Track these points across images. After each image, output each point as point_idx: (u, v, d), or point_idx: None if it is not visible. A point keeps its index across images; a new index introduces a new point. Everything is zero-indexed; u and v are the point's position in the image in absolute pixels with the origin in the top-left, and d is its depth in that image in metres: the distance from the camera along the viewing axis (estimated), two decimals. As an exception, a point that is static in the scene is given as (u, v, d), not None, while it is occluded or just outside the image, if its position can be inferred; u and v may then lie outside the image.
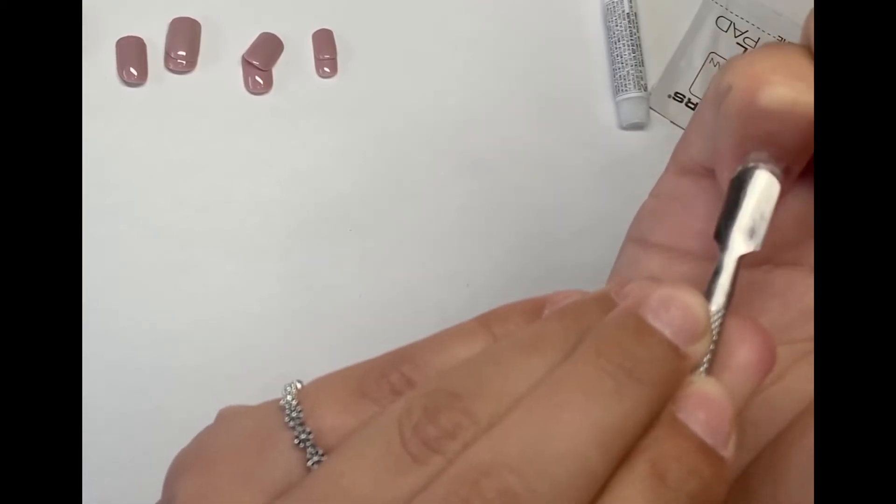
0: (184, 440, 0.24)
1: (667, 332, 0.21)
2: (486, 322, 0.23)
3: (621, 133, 0.50)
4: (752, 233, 0.23)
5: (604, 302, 0.22)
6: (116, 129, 0.46)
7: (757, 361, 0.22)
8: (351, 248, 0.47)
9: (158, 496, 0.23)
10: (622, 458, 0.20)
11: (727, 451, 0.20)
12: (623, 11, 0.50)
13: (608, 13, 0.51)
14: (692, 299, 0.21)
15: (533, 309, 0.23)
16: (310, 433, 0.21)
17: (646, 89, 0.50)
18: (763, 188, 0.23)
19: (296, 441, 0.21)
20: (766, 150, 0.23)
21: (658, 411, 0.20)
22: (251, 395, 0.43)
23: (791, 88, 0.22)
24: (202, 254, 0.45)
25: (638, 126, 0.50)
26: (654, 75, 0.51)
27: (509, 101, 0.50)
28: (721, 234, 0.23)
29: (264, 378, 0.44)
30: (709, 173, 0.26)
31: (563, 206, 0.49)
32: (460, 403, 0.20)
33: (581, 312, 0.22)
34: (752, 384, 0.22)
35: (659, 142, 0.50)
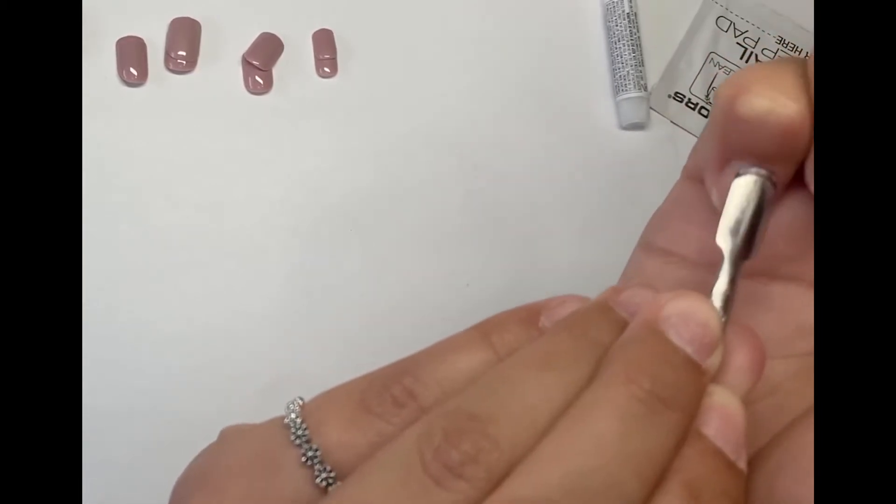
0: (184, 440, 0.24)
1: (689, 350, 0.21)
2: (484, 331, 0.23)
3: (621, 133, 0.50)
4: (747, 239, 0.23)
5: (605, 311, 0.22)
6: (116, 129, 0.46)
7: (751, 364, 0.22)
8: (352, 248, 0.47)
9: (158, 496, 0.23)
10: (657, 482, 0.20)
11: (743, 463, 0.21)
12: (623, 11, 0.50)
13: (608, 13, 0.51)
14: (709, 311, 0.22)
15: (529, 316, 0.23)
16: (316, 450, 0.21)
17: (646, 89, 0.50)
18: (753, 192, 0.23)
19: (303, 459, 0.21)
20: (745, 158, 0.24)
21: (687, 429, 0.21)
22: (251, 395, 0.43)
23: (767, 98, 0.23)
24: (202, 254, 0.45)
25: (638, 126, 0.50)
26: (654, 75, 0.51)
27: (509, 101, 0.50)
28: (719, 240, 0.23)
29: (265, 378, 0.44)
30: None
31: (563, 206, 0.49)
32: (480, 426, 0.20)
33: (587, 325, 0.22)
34: (746, 388, 0.22)
35: (659, 142, 0.50)
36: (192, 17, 0.47)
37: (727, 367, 0.22)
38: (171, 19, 0.47)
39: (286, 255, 0.46)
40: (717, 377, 0.22)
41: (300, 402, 0.23)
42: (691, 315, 0.21)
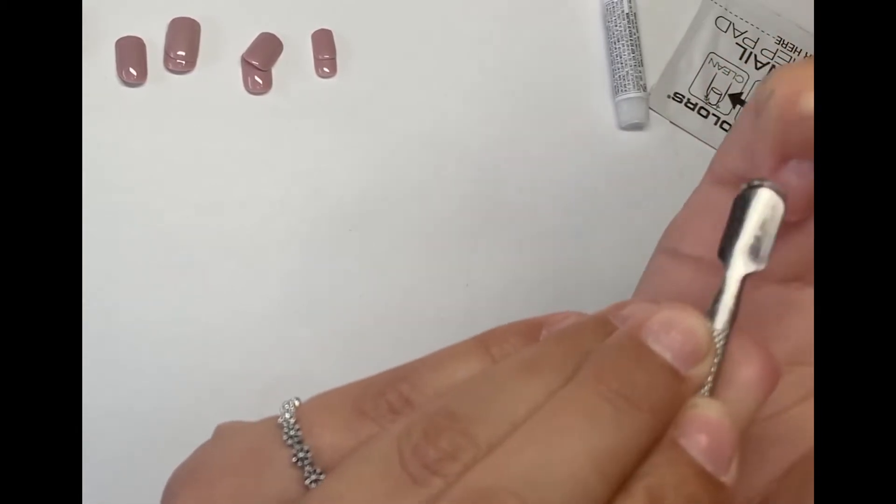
0: (183, 440, 0.24)
1: (667, 356, 0.21)
2: (484, 342, 0.23)
3: (621, 133, 0.50)
4: (755, 252, 0.23)
5: (602, 325, 0.22)
6: (116, 129, 0.46)
7: (760, 379, 0.22)
8: (351, 249, 0.47)
9: (158, 496, 0.23)
10: (621, 483, 0.20)
11: (728, 476, 0.20)
12: (623, 11, 0.50)
13: (608, 13, 0.51)
14: (694, 321, 0.21)
15: (530, 329, 0.23)
16: (308, 451, 0.21)
17: (645, 89, 0.50)
18: (767, 207, 0.23)
19: (294, 459, 0.21)
20: (807, 157, 0.23)
21: (659, 435, 0.20)
22: (251, 395, 0.43)
23: None
24: (202, 254, 0.45)
25: (637, 126, 0.50)
26: (653, 75, 0.51)
27: (509, 101, 0.50)
28: (724, 253, 0.23)
29: (264, 378, 0.44)
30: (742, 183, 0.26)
31: (562, 207, 0.49)
32: (460, 425, 0.20)
33: (579, 335, 0.22)
34: (755, 402, 0.22)
35: (658, 142, 0.50)
36: (191, 17, 0.47)
37: (731, 382, 0.22)
38: (170, 19, 0.47)
39: (286, 255, 0.46)
40: (720, 391, 0.22)
41: (296, 403, 0.23)
42: (673, 323, 0.21)
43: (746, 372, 0.22)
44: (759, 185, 0.23)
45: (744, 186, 0.23)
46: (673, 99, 0.51)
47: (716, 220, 0.27)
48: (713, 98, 0.51)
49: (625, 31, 0.50)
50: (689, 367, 0.21)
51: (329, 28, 0.49)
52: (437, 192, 0.48)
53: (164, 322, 0.44)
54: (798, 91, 0.22)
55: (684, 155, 0.51)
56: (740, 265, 0.23)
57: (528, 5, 0.51)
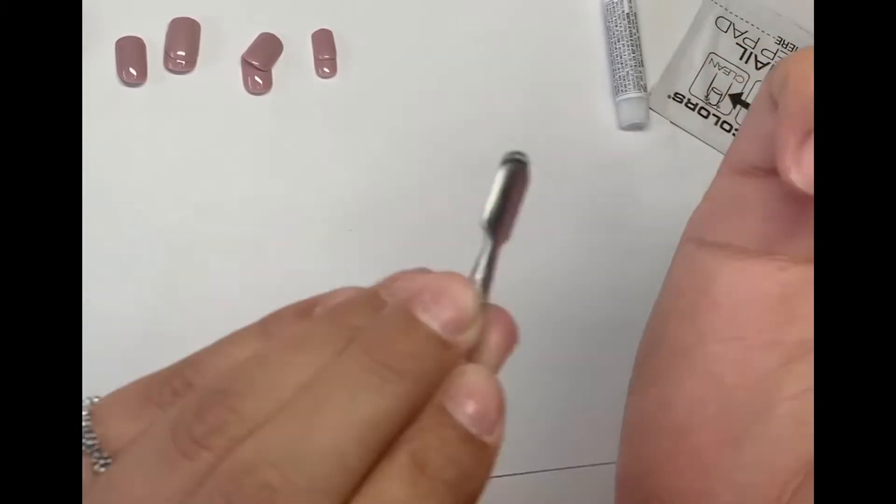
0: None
1: (434, 325, 0.22)
2: (264, 323, 0.24)
3: (621, 133, 0.50)
4: (508, 222, 0.25)
5: (373, 299, 0.23)
6: (116, 129, 0.46)
7: (506, 343, 0.23)
8: (351, 248, 0.47)
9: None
10: (385, 450, 0.20)
11: (492, 437, 0.21)
12: (623, 11, 0.50)
13: (608, 13, 0.51)
14: (461, 290, 0.22)
15: (306, 308, 0.24)
16: (94, 439, 0.22)
17: (645, 89, 0.50)
18: (517, 179, 0.25)
19: (85, 448, 0.22)
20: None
21: (424, 402, 0.21)
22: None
23: None
24: (202, 254, 0.45)
25: (637, 126, 0.50)
26: (653, 75, 0.51)
27: (509, 101, 0.50)
28: (487, 223, 0.25)
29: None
30: (761, 173, 0.27)
31: (562, 206, 0.49)
32: (227, 401, 0.21)
33: (349, 310, 0.23)
34: (499, 362, 0.23)
35: (658, 142, 0.50)
36: (191, 17, 0.47)
37: (483, 345, 0.23)
38: (170, 19, 0.47)
39: (286, 255, 0.46)
40: (474, 355, 0.23)
41: (95, 399, 0.24)
42: (442, 293, 0.22)
43: (495, 336, 0.23)
44: (511, 158, 0.25)
45: (500, 162, 0.25)
46: (673, 99, 0.51)
47: (737, 209, 0.28)
48: (714, 98, 0.51)
49: (625, 31, 0.50)
50: (456, 335, 0.22)
51: (329, 28, 0.49)
52: (436, 192, 0.48)
53: (164, 322, 0.44)
54: (811, 67, 0.24)
55: (684, 155, 0.51)
56: (497, 235, 0.25)
57: (528, 5, 0.51)
